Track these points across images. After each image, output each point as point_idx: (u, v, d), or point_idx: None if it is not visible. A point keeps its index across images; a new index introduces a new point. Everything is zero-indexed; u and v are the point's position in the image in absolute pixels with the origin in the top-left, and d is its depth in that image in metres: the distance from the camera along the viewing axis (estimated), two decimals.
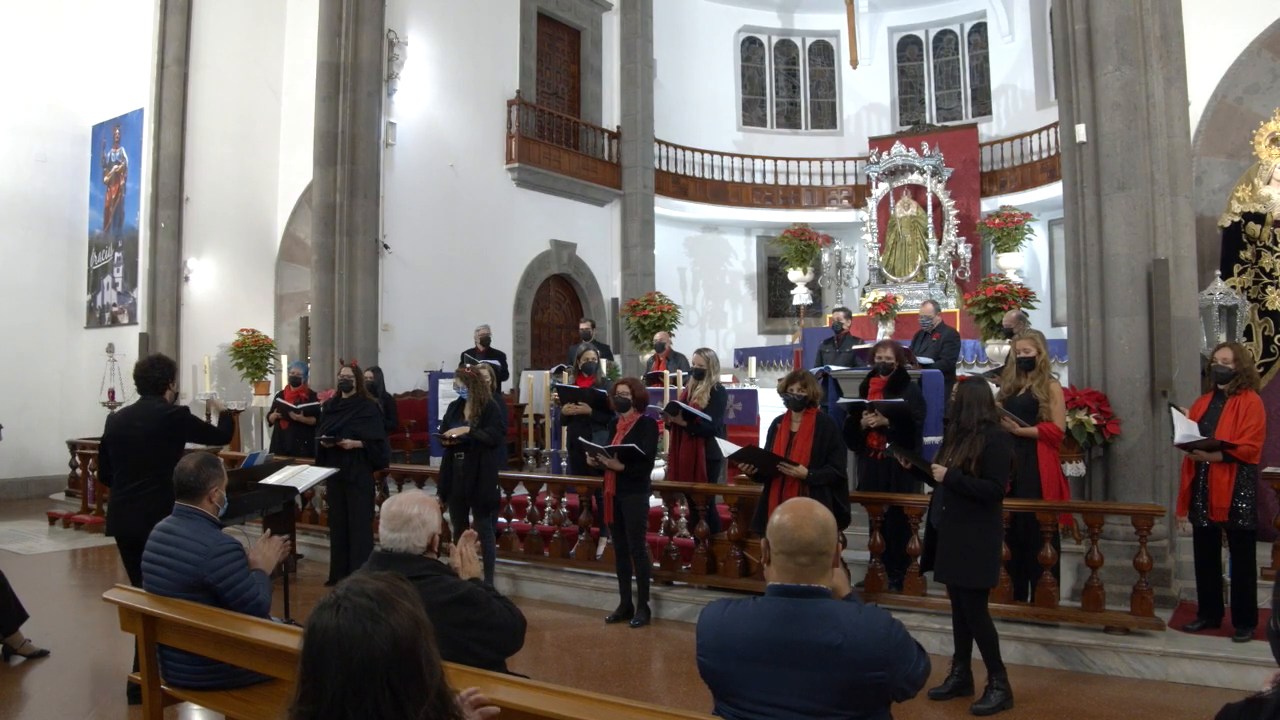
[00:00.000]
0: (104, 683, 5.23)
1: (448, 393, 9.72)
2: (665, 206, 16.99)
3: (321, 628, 1.57)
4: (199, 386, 12.00)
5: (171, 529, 3.64)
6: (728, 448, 6.14)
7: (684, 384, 8.16)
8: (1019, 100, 17.09)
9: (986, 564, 4.68)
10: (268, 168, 14.33)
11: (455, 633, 2.67)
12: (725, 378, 11.21)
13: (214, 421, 5.73)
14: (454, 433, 6.78)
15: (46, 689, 5.12)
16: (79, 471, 11.18)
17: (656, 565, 6.74)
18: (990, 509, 4.71)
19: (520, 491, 7.92)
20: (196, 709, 4.50)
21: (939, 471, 4.72)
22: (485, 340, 11.30)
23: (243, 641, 3.20)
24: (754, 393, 9.37)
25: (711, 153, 17.80)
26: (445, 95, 13.43)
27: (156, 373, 5.17)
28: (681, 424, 7.04)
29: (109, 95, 13.96)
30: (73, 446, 11.52)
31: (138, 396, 5.30)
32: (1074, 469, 6.44)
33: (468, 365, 8.09)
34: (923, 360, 8.25)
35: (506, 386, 11.48)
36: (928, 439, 6.68)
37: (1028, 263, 15.78)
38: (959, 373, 8.54)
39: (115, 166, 13.91)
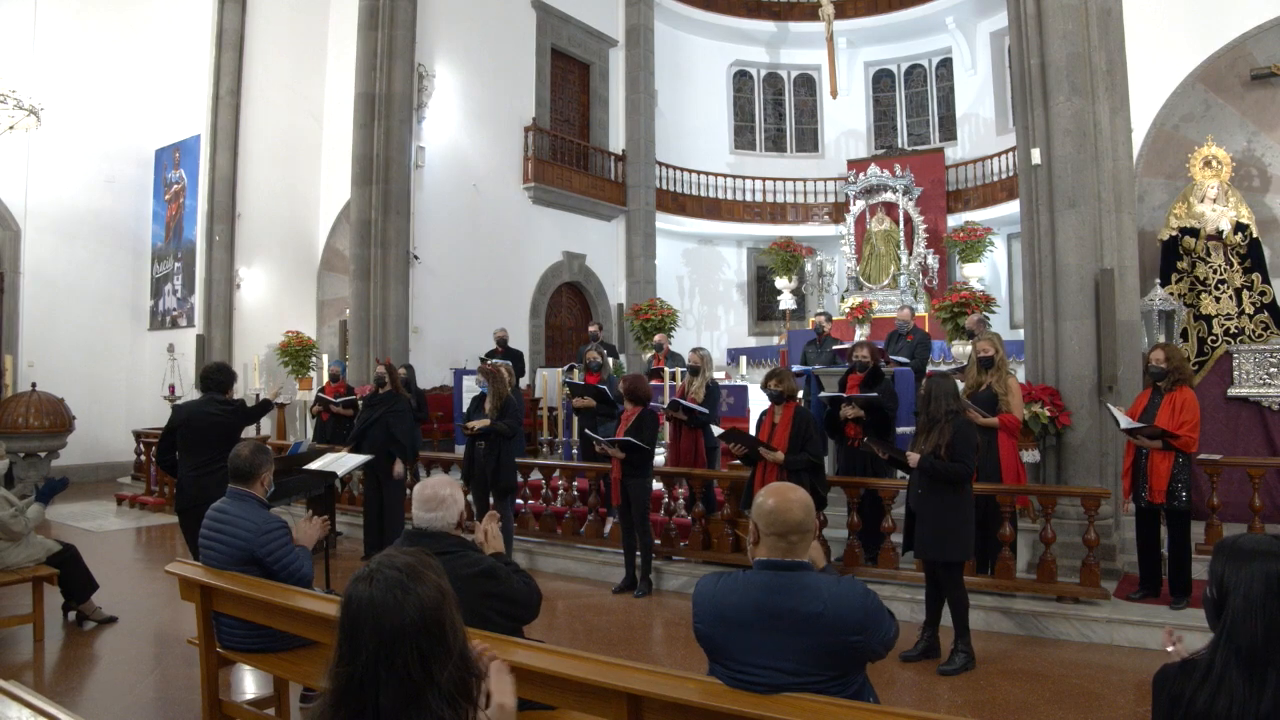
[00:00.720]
0: (166, 645, 5.25)
1: (471, 388, 9.74)
2: (665, 221, 16.96)
3: (357, 597, 1.58)
4: (249, 383, 12.02)
5: (225, 509, 3.65)
6: (719, 432, 6.15)
7: (681, 380, 8.15)
8: (981, 127, 17.04)
9: (961, 539, 4.67)
10: (310, 187, 14.33)
11: (477, 603, 2.67)
12: (719, 374, 11.22)
13: (266, 396, 6.41)
14: (476, 424, 6.76)
15: (115, 650, 5.15)
16: (143, 458, 11.19)
17: (657, 542, 6.73)
18: (962, 489, 4.69)
19: (536, 476, 7.92)
20: (248, 669, 4.51)
21: (913, 458, 4.71)
22: (503, 341, 11.29)
23: (288, 609, 3.20)
24: (745, 388, 9.35)
25: (706, 173, 17.75)
26: (469, 123, 13.41)
27: (221, 376, 5.66)
28: (682, 418, 7.04)
29: (170, 123, 13.97)
30: (137, 435, 11.53)
31: (197, 392, 5.64)
32: (1030, 456, 6.43)
33: (488, 363, 8.08)
34: (898, 359, 8.25)
35: (523, 382, 11.47)
36: (901, 429, 6.67)
37: (989, 272, 15.73)
38: (928, 369, 8.53)
39: (175, 186, 13.93)
